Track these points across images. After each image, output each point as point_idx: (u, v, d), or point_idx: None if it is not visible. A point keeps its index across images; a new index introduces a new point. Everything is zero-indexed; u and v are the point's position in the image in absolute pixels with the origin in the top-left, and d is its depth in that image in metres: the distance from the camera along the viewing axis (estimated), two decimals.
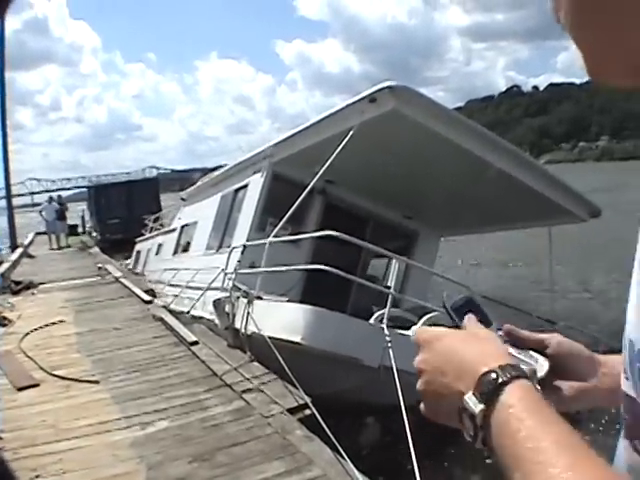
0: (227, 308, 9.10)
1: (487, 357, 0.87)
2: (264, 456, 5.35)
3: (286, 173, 11.15)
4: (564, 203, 10.58)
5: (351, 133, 8.25)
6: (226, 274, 9.84)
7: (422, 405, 0.97)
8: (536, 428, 0.76)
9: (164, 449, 5.66)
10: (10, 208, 29.61)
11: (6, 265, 20.51)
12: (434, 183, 10.72)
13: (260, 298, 8.61)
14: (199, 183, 17.57)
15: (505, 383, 0.82)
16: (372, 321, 7.88)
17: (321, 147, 9.00)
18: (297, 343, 7.42)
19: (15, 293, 15.55)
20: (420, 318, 8.10)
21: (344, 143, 8.21)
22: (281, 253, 9.72)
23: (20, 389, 7.66)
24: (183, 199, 19.41)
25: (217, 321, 9.35)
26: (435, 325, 1.10)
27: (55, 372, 8.19)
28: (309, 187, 8.94)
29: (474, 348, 0.91)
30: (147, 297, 13.29)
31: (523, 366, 1.03)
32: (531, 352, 1.10)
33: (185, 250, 16.44)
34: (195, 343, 9.01)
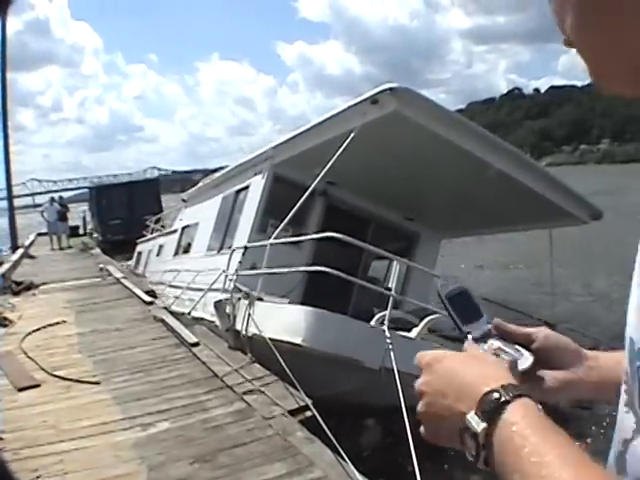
0: (228, 309, 9.10)
1: (488, 378, 0.88)
2: (265, 458, 5.35)
3: (287, 175, 11.15)
4: (565, 205, 10.57)
5: (352, 135, 8.25)
6: (227, 275, 9.85)
7: (422, 428, 0.97)
8: (539, 444, 0.77)
9: (165, 450, 5.65)
10: (11, 209, 29.59)
11: (7, 265, 20.49)
12: (435, 185, 10.73)
13: (261, 299, 8.62)
14: (200, 184, 17.58)
15: (507, 402, 0.83)
16: (373, 323, 7.87)
17: (322, 149, 9.00)
18: (298, 345, 7.42)
19: (16, 293, 15.53)
20: (421, 320, 8.10)
21: (345, 145, 8.21)
22: (282, 254, 9.73)
23: (21, 389, 7.65)
24: (184, 200, 19.41)
25: (218, 322, 9.35)
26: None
27: (56, 373, 8.18)
28: (310, 189, 8.95)
29: (475, 370, 0.92)
30: (148, 298, 13.28)
31: (508, 357, 1.07)
32: (517, 346, 1.11)
33: (186, 251, 16.45)
34: (196, 344, 9.00)
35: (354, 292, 11.33)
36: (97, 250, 28.30)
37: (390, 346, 6.95)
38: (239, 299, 8.99)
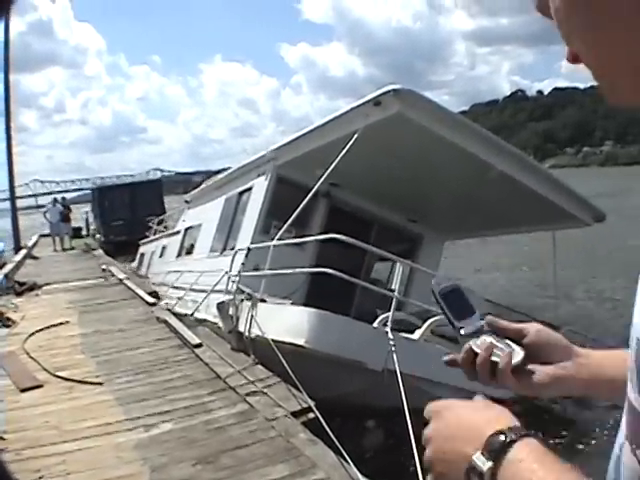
0: (231, 311, 9.09)
1: (495, 422, 0.89)
2: (268, 459, 5.34)
3: (290, 176, 11.15)
4: (568, 207, 10.56)
5: (356, 136, 8.25)
6: (230, 277, 9.84)
7: (429, 477, 0.97)
8: (547, 477, 0.78)
9: (168, 451, 5.65)
10: (14, 210, 29.64)
11: (10, 266, 20.53)
12: (439, 187, 10.72)
13: (264, 301, 8.61)
14: (203, 186, 17.58)
15: (513, 441, 0.83)
16: (376, 324, 7.87)
17: (325, 150, 9.00)
18: (301, 346, 7.42)
19: (19, 294, 15.56)
20: (424, 322, 8.10)
21: (349, 146, 8.21)
22: (285, 256, 9.72)
23: (23, 390, 7.66)
24: (187, 202, 19.41)
25: (221, 324, 9.34)
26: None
27: (59, 373, 8.19)
28: (313, 190, 8.95)
29: (482, 415, 0.93)
30: (151, 299, 13.29)
31: (501, 352, 1.09)
32: (508, 341, 1.13)
33: (189, 252, 16.45)
34: (199, 346, 9.00)
35: (357, 293, 11.32)
36: (100, 251, 28.32)
37: (393, 348, 6.95)
38: (242, 300, 8.99)
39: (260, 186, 11.53)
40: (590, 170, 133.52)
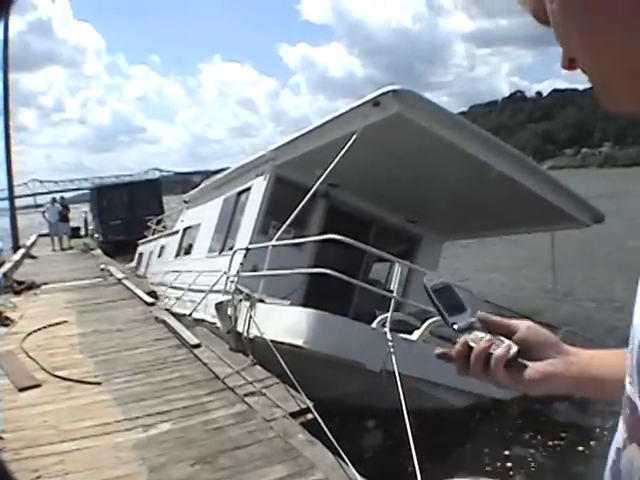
0: (229, 311, 9.09)
1: None
2: (266, 460, 5.34)
3: (289, 176, 11.15)
4: (567, 208, 10.57)
5: (355, 137, 8.25)
6: (228, 277, 9.84)
7: None
8: None
9: (166, 451, 5.65)
10: (12, 209, 29.61)
11: (8, 265, 20.51)
12: (438, 187, 10.72)
13: (262, 301, 8.61)
14: (202, 186, 17.58)
15: None
16: (374, 325, 7.86)
17: (324, 150, 9.00)
18: (299, 347, 7.41)
19: (17, 293, 15.55)
20: (423, 322, 8.10)
21: (347, 147, 8.21)
22: (284, 256, 9.72)
23: (21, 389, 7.66)
24: (186, 201, 19.41)
25: (219, 324, 9.34)
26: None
27: (57, 373, 8.19)
28: (312, 190, 8.95)
29: None
30: (149, 299, 13.28)
31: (496, 346, 1.11)
32: (501, 337, 1.14)
33: (187, 252, 16.44)
34: (197, 346, 9.01)
35: (355, 294, 11.31)
36: (98, 251, 28.32)
37: (392, 349, 6.95)
38: (240, 301, 8.98)
39: (259, 186, 11.53)
40: (589, 171, 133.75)
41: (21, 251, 26.03)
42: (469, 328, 1.16)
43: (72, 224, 32.84)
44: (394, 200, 11.79)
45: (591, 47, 0.81)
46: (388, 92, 8.20)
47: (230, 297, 9.23)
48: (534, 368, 1.10)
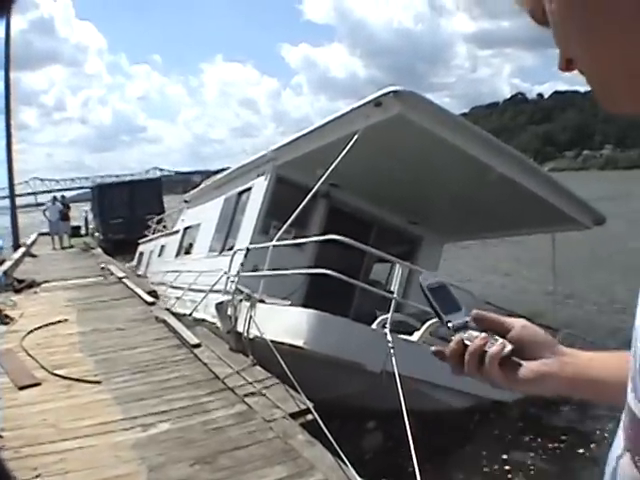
0: (229, 311, 9.08)
1: None
2: (266, 460, 5.34)
3: (290, 176, 11.15)
4: (568, 210, 10.57)
5: (356, 137, 8.25)
6: (229, 277, 9.83)
7: None
8: None
9: (166, 451, 5.64)
10: (13, 207, 29.59)
11: (9, 263, 20.50)
12: (439, 188, 10.72)
13: (263, 301, 8.60)
14: (202, 185, 17.58)
15: None
16: (375, 326, 7.86)
17: (325, 151, 9.00)
18: (299, 347, 7.41)
19: (17, 291, 15.53)
20: (423, 323, 8.10)
21: (349, 147, 8.20)
22: (284, 256, 9.72)
23: (21, 388, 7.65)
24: (186, 201, 19.41)
25: (219, 324, 9.34)
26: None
27: (57, 371, 8.18)
28: (313, 191, 8.94)
29: None
30: (150, 298, 13.27)
31: (491, 344, 1.11)
32: (495, 336, 1.14)
33: (188, 252, 16.44)
34: (197, 346, 9.00)
35: (356, 295, 11.31)
36: (98, 250, 28.31)
37: (392, 350, 6.94)
38: (241, 301, 8.98)
39: (260, 186, 11.53)
40: (590, 174, 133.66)
41: (21, 249, 26.01)
42: (464, 327, 1.16)
43: (73, 223, 32.83)
44: (395, 201, 11.79)
45: (590, 47, 0.80)
46: (390, 93, 8.20)
47: (230, 297, 9.22)
48: (528, 367, 1.09)
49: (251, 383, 7.24)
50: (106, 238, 33.61)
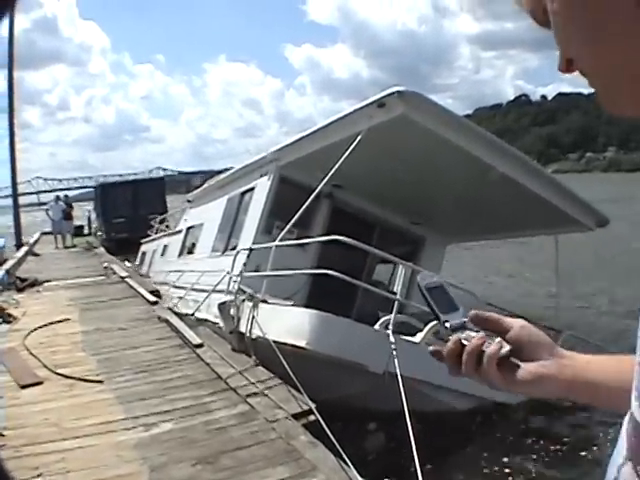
0: (232, 311, 9.07)
1: None
2: (268, 461, 5.33)
3: (293, 177, 11.15)
4: (571, 212, 10.56)
5: (359, 138, 8.25)
6: (231, 277, 9.83)
7: None
8: None
9: (168, 451, 5.63)
10: (16, 206, 29.61)
11: (11, 262, 20.50)
12: (442, 189, 10.71)
13: (265, 302, 8.59)
14: (205, 185, 17.58)
15: None
16: (377, 327, 7.85)
17: (329, 151, 9.00)
18: (302, 348, 7.41)
19: (20, 290, 15.53)
20: (426, 325, 8.09)
21: (352, 148, 8.20)
22: (287, 257, 9.70)
23: (23, 387, 7.64)
24: (189, 201, 19.42)
25: (222, 324, 9.33)
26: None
27: (59, 370, 8.17)
28: (316, 191, 8.94)
29: None
30: (153, 298, 13.27)
31: (489, 344, 1.09)
32: (494, 337, 1.13)
33: (190, 252, 16.45)
34: (200, 346, 8.99)
35: (358, 295, 11.30)
36: (101, 249, 28.31)
37: (394, 351, 6.93)
38: (243, 301, 8.97)
39: (263, 186, 11.52)
40: (593, 176, 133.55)
41: (24, 248, 26.02)
42: (462, 327, 1.15)
43: (76, 222, 32.81)
44: (398, 202, 11.79)
45: (592, 48, 0.80)
46: (393, 93, 8.20)
47: (233, 297, 9.22)
48: (526, 369, 1.08)
49: (254, 383, 7.23)
50: (109, 237, 33.64)
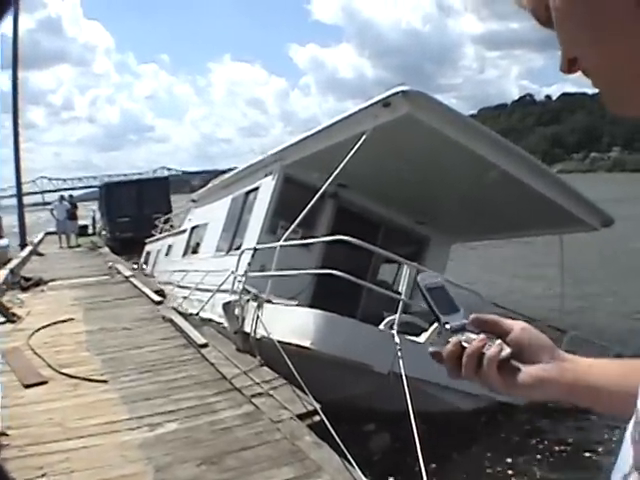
0: (237, 311, 9.07)
1: None
2: (273, 461, 5.32)
3: (298, 176, 11.13)
4: (576, 211, 10.53)
5: (364, 137, 8.23)
6: (236, 277, 9.82)
7: None
8: None
9: (173, 451, 5.63)
10: (20, 206, 29.68)
11: (16, 261, 20.53)
12: (447, 189, 10.68)
13: (270, 302, 8.58)
14: (210, 185, 17.59)
15: None
16: (382, 327, 7.84)
17: (333, 151, 8.98)
18: (307, 348, 7.40)
19: (24, 289, 15.55)
20: (431, 325, 8.07)
21: (357, 147, 8.19)
22: (291, 256, 9.70)
23: (28, 386, 7.64)
24: (194, 200, 19.43)
25: (227, 324, 9.33)
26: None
27: (63, 370, 8.17)
28: (321, 191, 8.92)
29: None
30: (157, 298, 13.27)
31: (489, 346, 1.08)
32: (494, 339, 1.11)
33: (195, 252, 16.44)
34: (205, 346, 8.98)
35: (363, 295, 11.30)
36: (106, 249, 28.35)
37: (399, 351, 6.92)
38: (248, 301, 8.96)
39: (267, 186, 11.51)
40: (597, 176, 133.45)
41: (28, 248, 26.06)
42: (462, 329, 1.13)
43: (80, 222, 32.86)
44: (403, 201, 11.77)
45: (594, 47, 0.79)
46: (398, 93, 8.18)
47: (237, 297, 9.22)
48: (527, 372, 1.06)
49: (258, 384, 7.22)
50: (113, 237, 33.69)
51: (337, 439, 5.46)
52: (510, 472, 7.31)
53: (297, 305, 8.86)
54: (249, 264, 9.68)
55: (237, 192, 13.53)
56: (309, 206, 8.84)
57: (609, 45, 0.77)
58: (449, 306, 1.17)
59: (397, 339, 7.17)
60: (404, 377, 6.20)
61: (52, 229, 31.64)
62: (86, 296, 14.30)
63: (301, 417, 6.28)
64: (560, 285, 11.23)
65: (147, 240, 25.84)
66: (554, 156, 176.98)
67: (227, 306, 9.26)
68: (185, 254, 17.44)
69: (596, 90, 0.84)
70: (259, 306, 8.55)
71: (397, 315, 7.60)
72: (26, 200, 35.15)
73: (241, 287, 9.33)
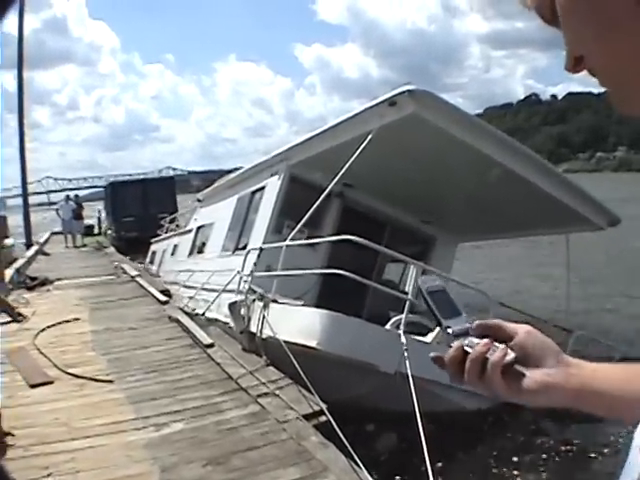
0: (243, 311, 9.07)
1: None
2: (279, 462, 5.30)
3: (303, 176, 11.12)
4: (582, 211, 10.50)
5: (370, 137, 8.22)
6: (242, 276, 9.81)
7: None
8: None
9: (178, 451, 5.61)
10: (26, 206, 29.73)
11: (22, 261, 20.55)
12: (453, 188, 10.66)
13: (276, 301, 8.57)
14: (216, 184, 17.60)
15: None
16: (388, 327, 7.83)
17: (339, 150, 8.97)
18: (313, 348, 7.39)
19: (30, 289, 15.56)
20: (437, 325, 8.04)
21: (363, 146, 8.17)
22: (297, 256, 9.68)
23: (33, 386, 7.64)
24: (199, 200, 19.45)
25: (232, 324, 9.32)
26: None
27: (69, 370, 8.17)
28: (327, 190, 8.91)
29: None
30: (163, 297, 13.27)
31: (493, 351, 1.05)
32: (496, 344, 1.08)
33: (200, 251, 16.45)
34: (211, 345, 8.98)
35: (369, 295, 11.28)
36: (111, 249, 28.38)
37: (406, 351, 6.90)
38: (254, 300, 8.96)
39: (273, 185, 11.51)
40: (603, 175, 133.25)
41: (34, 248, 26.10)
42: (465, 334, 1.10)
43: (86, 222, 32.91)
44: (409, 201, 11.75)
45: (600, 47, 0.78)
46: (404, 92, 8.17)
47: (243, 297, 9.21)
48: (532, 377, 1.04)
49: (264, 383, 7.21)
50: (119, 236, 33.74)
51: (343, 439, 5.44)
52: (516, 472, 7.29)
53: (303, 305, 8.86)
54: (255, 264, 9.68)
55: (243, 192, 13.53)
56: (315, 206, 8.83)
57: (612, 43, 0.76)
58: (451, 310, 1.17)
59: (403, 339, 7.15)
60: (410, 377, 6.18)
61: (58, 229, 31.69)
62: (92, 296, 14.30)
63: (307, 417, 6.26)
64: (566, 285, 11.20)
65: (153, 240, 25.87)
66: (560, 156, 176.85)
67: (233, 306, 9.26)
68: (191, 254, 17.46)
69: (602, 89, 0.83)
70: (265, 306, 8.54)
71: (403, 315, 7.58)
72: (31, 200, 35.18)
73: (247, 287, 9.33)
